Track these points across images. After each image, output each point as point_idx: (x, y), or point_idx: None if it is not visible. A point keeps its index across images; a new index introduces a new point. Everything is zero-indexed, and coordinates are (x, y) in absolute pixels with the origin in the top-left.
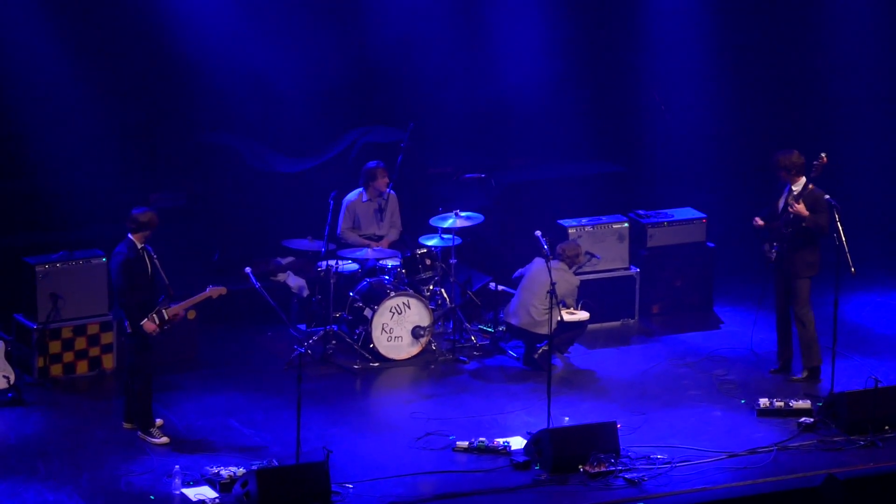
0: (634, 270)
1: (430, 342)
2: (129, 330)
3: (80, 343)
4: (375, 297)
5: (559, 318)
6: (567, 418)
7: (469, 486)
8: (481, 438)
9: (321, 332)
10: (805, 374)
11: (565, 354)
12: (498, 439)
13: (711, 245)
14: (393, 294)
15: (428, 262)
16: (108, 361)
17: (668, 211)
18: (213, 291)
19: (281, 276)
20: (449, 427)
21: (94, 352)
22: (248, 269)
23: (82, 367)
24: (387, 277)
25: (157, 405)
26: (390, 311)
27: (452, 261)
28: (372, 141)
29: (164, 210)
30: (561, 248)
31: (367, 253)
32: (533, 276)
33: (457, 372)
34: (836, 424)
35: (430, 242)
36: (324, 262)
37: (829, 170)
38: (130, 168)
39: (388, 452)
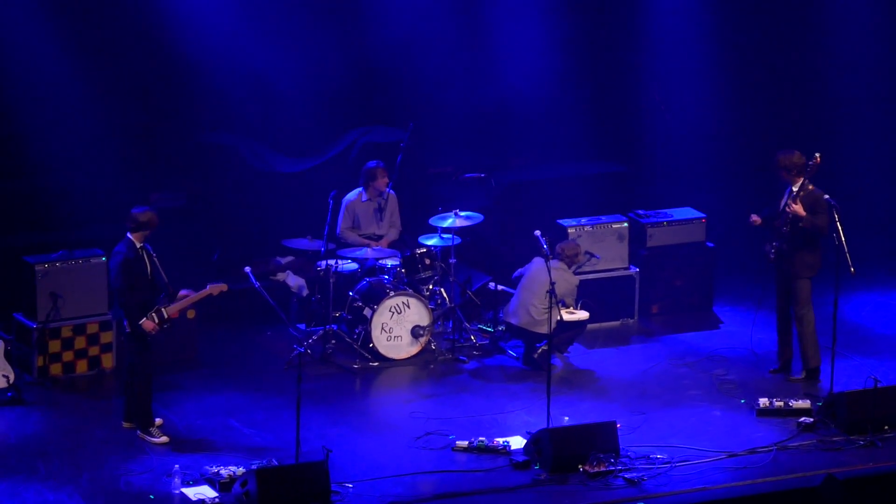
0: (634, 270)
1: (429, 342)
2: (128, 329)
3: (80, 342)
4: (375, 297)
5: (559, 318)
6: (567, 418)
7: (469, 485)
8: (481, 438)
9: (321, 332)
10: (804, 374)
11: (565, 354)
12: (498, 439)
13: (711, 245)
14: (392, 294)
15: (427, 261)
16: (108, 361)
17: (668, 211)
18: (213, 288)
19: (280, 276)
20: (448, 427)
21: (94, 351)
22: (247, 269)
23: (82, 367)
24: (386, 277)
25: (157, 405)
26: (390, 311)
27: (452, 260)
28: (372, 141)
29: (164, 210)
30: (560, 247)
31: (367, 252)
32: (532, 276)
33: (456, 371)
34: (835, 424)
35: (430, 242)
36: (323, 262)
37: (830, 170)
38: (130, 168)
39: (388, 452)
